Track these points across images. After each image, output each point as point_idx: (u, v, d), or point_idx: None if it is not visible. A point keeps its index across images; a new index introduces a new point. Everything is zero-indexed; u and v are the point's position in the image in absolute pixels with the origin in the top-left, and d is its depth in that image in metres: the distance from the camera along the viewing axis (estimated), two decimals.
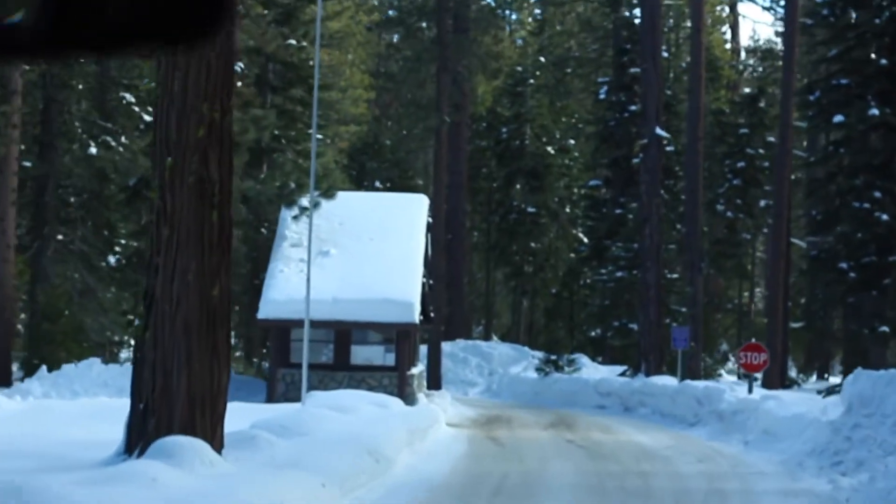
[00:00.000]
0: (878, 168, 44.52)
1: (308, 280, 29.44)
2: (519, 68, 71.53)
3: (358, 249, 35.23)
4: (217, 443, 17.34)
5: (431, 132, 42.98)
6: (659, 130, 44.44)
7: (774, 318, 53.54)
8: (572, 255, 68.16)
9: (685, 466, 24.73)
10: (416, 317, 33.39)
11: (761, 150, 65.65)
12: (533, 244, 69.11)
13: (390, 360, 34.66)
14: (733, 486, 21.10)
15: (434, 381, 45.10)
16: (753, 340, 39.09)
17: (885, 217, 43.24)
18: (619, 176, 61.54)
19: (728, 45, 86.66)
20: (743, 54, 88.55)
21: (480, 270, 78.36)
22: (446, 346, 57.84)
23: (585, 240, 66.62)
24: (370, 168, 58.52)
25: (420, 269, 34.59)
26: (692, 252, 50.70)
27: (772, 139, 65.25)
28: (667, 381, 41.50)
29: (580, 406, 44.79)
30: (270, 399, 33.86)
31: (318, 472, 17.08)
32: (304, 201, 34.80)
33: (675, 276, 50.12)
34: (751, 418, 32.51)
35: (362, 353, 35.23)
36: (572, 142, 71.91)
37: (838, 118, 44.12)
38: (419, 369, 37.49)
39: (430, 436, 28.34)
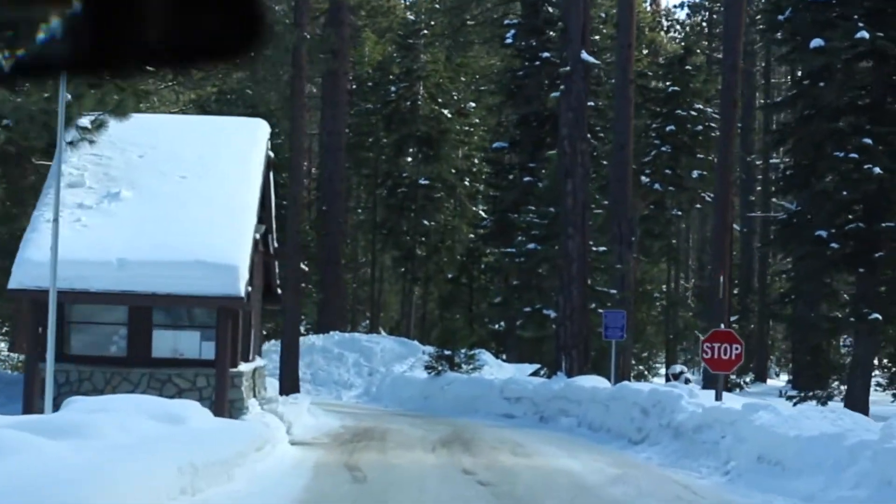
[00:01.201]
0: (867, 108, 34.55)
1: (56, 223, 18.88)
2: (410, 16, 60.91)
3: (163, 191, 24.38)
4: None
5: (287, 55, 32.19)
6: (585, 55, 34.01)
7: (720, 304, 43.57)
8: (472, 235, 57.60)
9: None
10: (243, 287, 22.60)
11: (693, 112, 55.86)
12: (426, 222, 58.76)
13: (211, 351, 23.94)
14: None
15: (290, 382, 34.43)
16: (722, 326, 29.00)
17: (876, 170, 33.19)
18: (528, 137, 51.28)
19: (648, 8, 77.34)
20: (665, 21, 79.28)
21: (366, 254, 67.66)
22: (318, 340, 47.61)
23: (486, 216, 56.31)
24: (204, 100, 47.05)
25: (252, 221, 23.76)
26: (621, 222, 40.56)
27: (699, 107, 56.05)
28: (596, 382, 31.72)
29: (482, 414, 35.07)
30: (29, 408, 22.94)
31: None
32: (87, 120, 23.98)
33: (602, 248, 39.67)
34: (728, 436, 23.11)
35: (169, 342, 24.44)
36: (473, 105, 61.43)
37: (816, 42, 34.00)
38: (255, 366, 26.68)
39: (242, 470, 17.77)
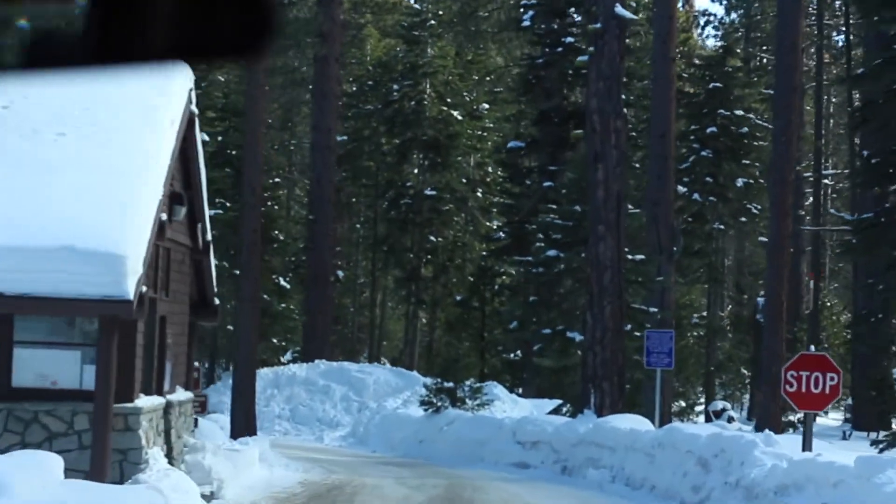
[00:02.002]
0: None
1: None
2: (416, 4, 53.97)
3: (32, 154, 17.27)
4: None
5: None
6: (620, 9, 26.89)
7: (775, 329, 36.50)
8: (484, 252, 50.49)
9: None
10: (133, 287, 15.39)
11: (738, 112, 49.11)
12: (433, 238, 51.79)
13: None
14: None
15: (243, 422, 27.19)
16: (813, 349, 21.76)
17: None
18: (548, 136, 44.27)
19: (682, 8, 70.51)
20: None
21: (366, 275, 60.57)
22: (300, 370, 40.74)
23: (498, 228, 49.33)
24: None
25: (155, 196, 16.58)
26: (661, 227, 33.40)
27: (740, 112, 49.51)
28: (636, 423, 24.57)
29: (489, 463, 28.12)
30: None
31: None
32: None
33: (639, 256, 32.41)
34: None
35: (37, 366, 17.40)
36: (486, 106, 54.47)
37: None
38: (172, 400, 19.38)
39: None
